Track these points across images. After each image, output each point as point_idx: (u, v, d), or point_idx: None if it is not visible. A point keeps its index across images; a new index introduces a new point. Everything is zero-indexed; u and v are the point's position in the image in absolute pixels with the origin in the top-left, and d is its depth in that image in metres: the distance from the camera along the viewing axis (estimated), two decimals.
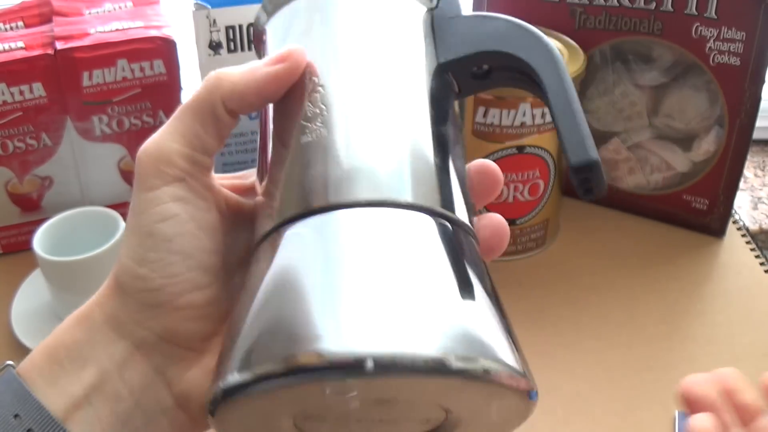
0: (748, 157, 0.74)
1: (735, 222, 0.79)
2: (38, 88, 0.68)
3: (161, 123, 0.76)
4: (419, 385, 0.26)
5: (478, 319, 0.27)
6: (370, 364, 0.24)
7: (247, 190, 0.38)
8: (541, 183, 0.71)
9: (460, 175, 0.33)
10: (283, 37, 0.37)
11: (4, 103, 0.68)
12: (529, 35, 0.35)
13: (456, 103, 0.37)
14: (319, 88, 0.33)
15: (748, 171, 1.07)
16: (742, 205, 1.00)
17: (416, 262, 0.28)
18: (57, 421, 0.31)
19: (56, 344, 0.33)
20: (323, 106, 0.32)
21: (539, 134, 0.68)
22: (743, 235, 0.78)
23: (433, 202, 0.30)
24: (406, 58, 0.35)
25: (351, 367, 0.24)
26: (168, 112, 0.73)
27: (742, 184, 0.88)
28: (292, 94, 0.34)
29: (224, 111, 0.33)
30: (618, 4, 0.72)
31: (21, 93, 0.68)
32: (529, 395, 0.27)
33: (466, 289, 0.28)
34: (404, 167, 0.31)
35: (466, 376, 0.25)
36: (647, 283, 0.71)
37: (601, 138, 0.77)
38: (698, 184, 0.76)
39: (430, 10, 0.37)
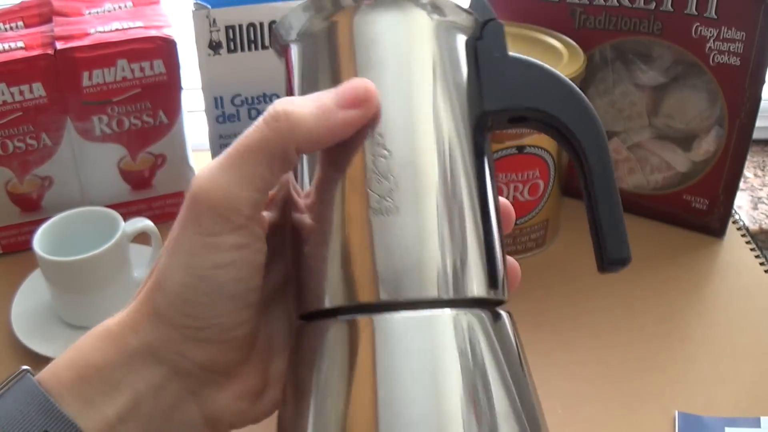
0: (748, 157, 0.74)
1: (735, 222, 0.79)
2: (38, 88, 0.68)
3: (161, 123, 0.77)
4: None
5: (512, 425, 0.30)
6: None
7: (268, 205, 0.38)
8: (541, 183, 0.71)
9: (501, 237, 0.35)
10: (320, 69, 0.34)
11: (4, 103, 0.68)
12: (579, 103, 0.35)
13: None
14: (385, 153, 0.32)
15: (748, 171, 1.07)
16: (742, 205, 1.00)
17: (459, 375, 0.30)
18: None
19: (86, 364, 0.33)
20: (392, 177, 0.31)
21: (539, 134, 0.68)
22: (743, 235, 0.78)
23: (485, 289, 0.32)
24: (457, 109, 0.34)
25: None
26: (168, 112, 0.74)
27: (742, 184, 0.88)
28: (350, 140, 0.32)
29: (296, 154, 0.32)
30: (618, 4, 0.72)
31: (21, 93, 0.68)
32: None
33: (503, 401, 0.31)
34: (464, 258, 0.32)
35: None
36: (647, 283, 0.71)
37: None
38: (698, 184, 0.76)
39: (475, 39, 0.36)
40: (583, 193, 0.36)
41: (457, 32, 0.35)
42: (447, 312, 0.31)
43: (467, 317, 0.31)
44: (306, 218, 0.34)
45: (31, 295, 0.67)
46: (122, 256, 0.64)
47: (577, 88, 0.36)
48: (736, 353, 0.64)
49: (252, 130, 0.31)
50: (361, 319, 0.31)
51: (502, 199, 0.37)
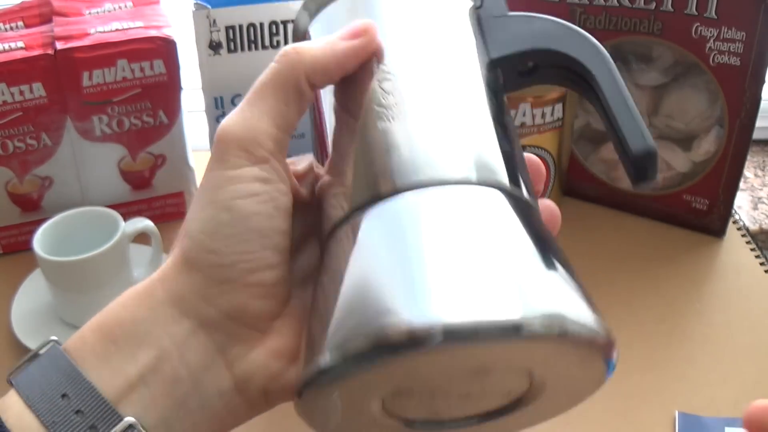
0: (748, 157, 0.74)
1: (735, 222, 0.79)
2: (38, 88, 0.68)
3: (161, 123, 0.77)
4: (504, 350, 0.28)
5: (555, 281, 0.29)
6: (454, 333, 0.25)
7: (300, 177, 0.38)
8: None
9: (520, 158, 0.35)
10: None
11: (4, 103, 0.68)
12: (579, 35, 0.36)
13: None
14: (390, 76, 0.34)
15: (748, 171, 1.07)
16: (742, 205, 1.00)
17: (488, 234, 0.29)
18: (108, 403, 0.30)
19: (111, 322, 0.32)
20: (397, 94, 0.33)
21: (539, 134, 0.68)
22: (743, 235, 0.78)
23: (501, 178, 0.32)
24: (462, 52, 0.36)
25: (439, 338, 0.26)
26: (168, 112, 0.74)
27: (742, 184, 0.88)
28: (359, 76, 0.35)
29: (307, 85, 0.34)
30: (618, 4, 0.72)
31: (21, 93, 0.68)
32: (608, 354, 0.29)
33: (540, 255, 0.30)
34: (474, 151, 0.33)
35: (547, 339, 0.27)
36: (647, 283, 0.71)
37: (601, 138, 0.77)
38: (698, 184, 0.76)
39: (476, 9, 0.38)
40: (599, 113, 0.36)
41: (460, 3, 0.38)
42: (458, 186, 0.31)
43: (480, 190, 0.31)
44: (326, 162, 0.35)
45: (31, 295, 0.68)
46: (122, 256, 0.65)
47: (577, 27, 0.37)
48: (736, 353, 0.64)
49: (266, 70, 0.34)
50: (370, 207, 0.31)
51: (531, 156, 0.37)
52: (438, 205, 0.30)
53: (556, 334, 0.27)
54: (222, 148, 0.33)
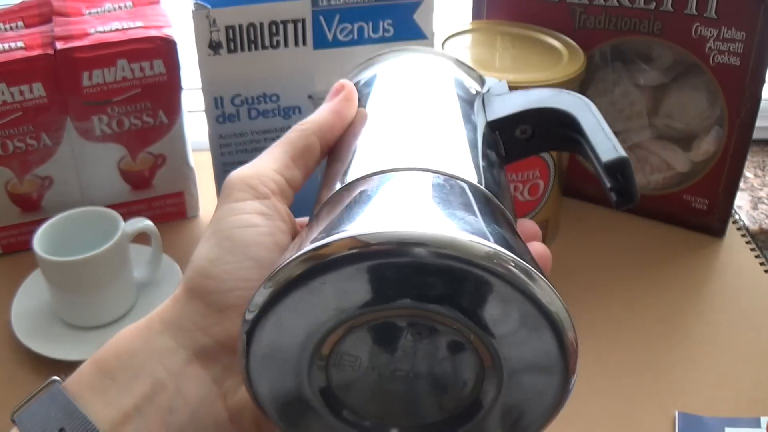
0: (748, 157, 0.74)
1: (735, 222, 0.79)
2: (38, 88, 0.68)
3: (161, 123, 0.77)
4: (462, 293, 0.26)
5: (526, 252, 0.28)
6: (420, 245, 0.24)
7: None
8: (541, 183, 0.71)
9: (504, 188, 0.37)
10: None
11: (4, 103, 0.68)
12: (565, 93, 0.39)
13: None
14: (376, 116, 0.39)
15: (748, 171, 1.07)
16: (742, 205, 1.00)
17: (437, 197, 0.30)
18: None
19: (108, 355, 0.33)
20: (382, 131, 0.37)
21: None
22: (743, 235, 0.78)
23: (469, 178, 0.33)
24: (458, 110, 0.40)
25: (395, 249, 0.24)
26: (168, 112, 0.74)
27: (742, 184, 0.88)
28: (346, 139, 0.38)
29: (318, 145, 0.38)
30: (618, 4, 0.72)
31: (21, 93, 0.68)
32: (566, 335, 0.27)
33: (512, 230, 0.30)
34: (459, 163, 0.34)
35: (515, 284, 0.25)
36: (647, 283, 0.71)
37: None
38: (698, 184, 0.76)
39: (482, 94, 0.42)
40: (586, 152, 0.36)
41: (472, 82, 0.43)
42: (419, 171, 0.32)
43: (449, 179, 0.31)
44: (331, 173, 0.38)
45: (31, 295, 0.68)
46: (122, 256, 0.65)
47: (567, 90, 0.39)
48: (736, 353, 0.64)
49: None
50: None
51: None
52: (394, 180, 0.31)
53: (526, 285, 0.25)
54: (229, 187, 0.35)
